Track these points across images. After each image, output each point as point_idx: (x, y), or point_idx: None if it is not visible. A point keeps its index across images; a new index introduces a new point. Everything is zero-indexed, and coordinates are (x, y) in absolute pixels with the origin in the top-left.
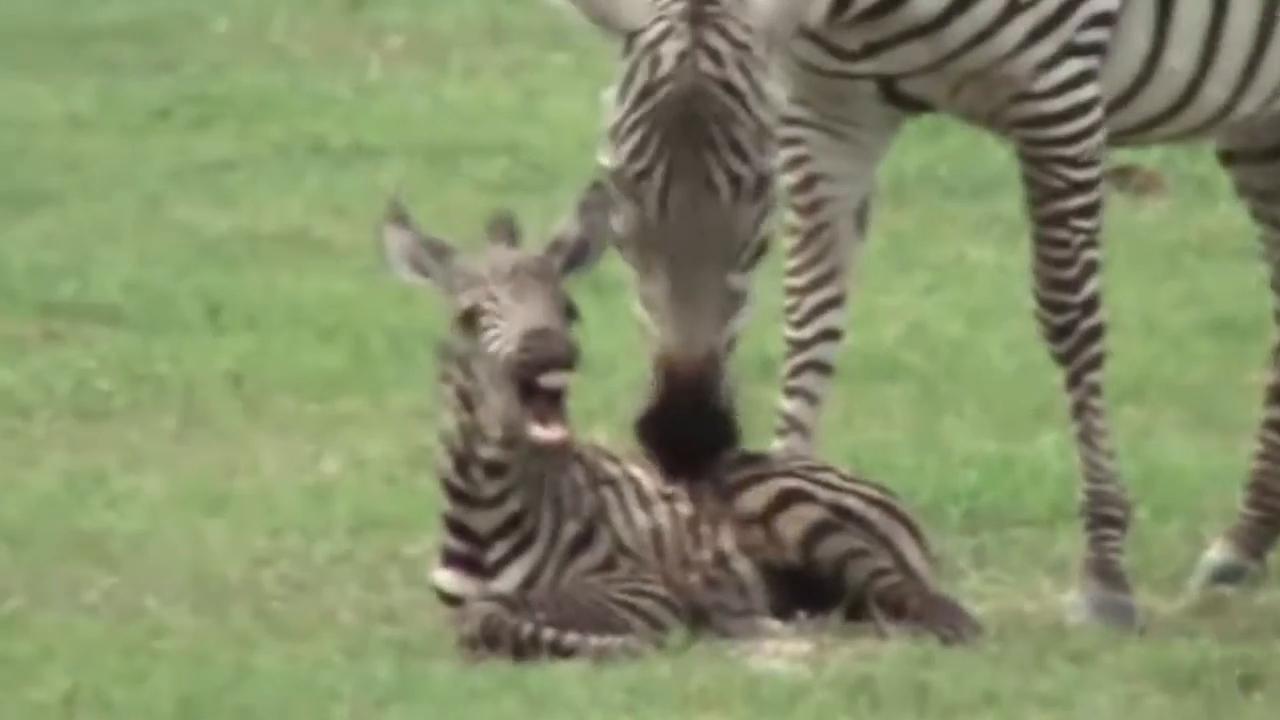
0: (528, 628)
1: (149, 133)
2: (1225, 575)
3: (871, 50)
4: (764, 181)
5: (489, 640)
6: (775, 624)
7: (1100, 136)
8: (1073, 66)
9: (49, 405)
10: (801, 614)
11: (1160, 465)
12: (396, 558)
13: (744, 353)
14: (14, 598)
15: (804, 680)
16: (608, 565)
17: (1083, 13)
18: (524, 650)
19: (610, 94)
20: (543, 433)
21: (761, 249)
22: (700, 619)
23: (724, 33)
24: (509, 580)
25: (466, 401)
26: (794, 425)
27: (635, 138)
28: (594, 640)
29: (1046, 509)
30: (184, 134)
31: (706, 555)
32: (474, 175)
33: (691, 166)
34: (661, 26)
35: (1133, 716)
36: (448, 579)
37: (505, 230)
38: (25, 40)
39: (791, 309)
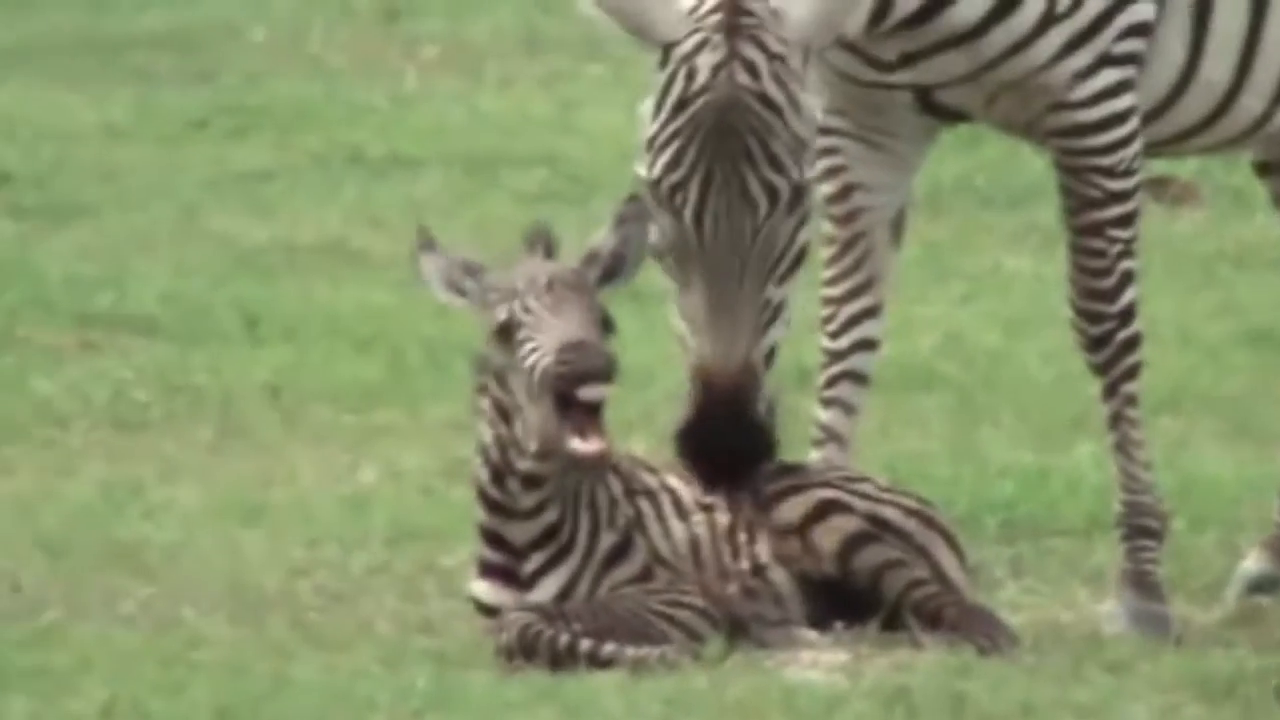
0: (565, 638)
1: (186, 143)
2: (1261, 585)
3: (908, 60)
4: (800, 193)
5: (526, 650)
6: (812, 634)
7: (1137, 146)
8: (1109, 76)
9: (86, 416)
10: (838, 624)
11: (1196, 476)
12: (433, 568)
13: (781, 363)
14: (52, 609)
15: (841, 691)
16: (644, 576)
17: (1119, 23)
18: (561, 660)
19: (647, 106)
20: (581, 445)
21: (799, 259)
22: (737, 630)
23: (760, 45)
24: (545, 591)
25: (503, 414)
26: (831, 435)
27: (671, 150)
28: (631, 651)
29: (1083, 519)
30: (221, 144)
31: (744, 566)
32: (511, 186)
33: (728, 179)
34: (697, 38)
35: None
36: (484, 590)
37: (542, 242)
38: (61, 51)
39: (828, 319)
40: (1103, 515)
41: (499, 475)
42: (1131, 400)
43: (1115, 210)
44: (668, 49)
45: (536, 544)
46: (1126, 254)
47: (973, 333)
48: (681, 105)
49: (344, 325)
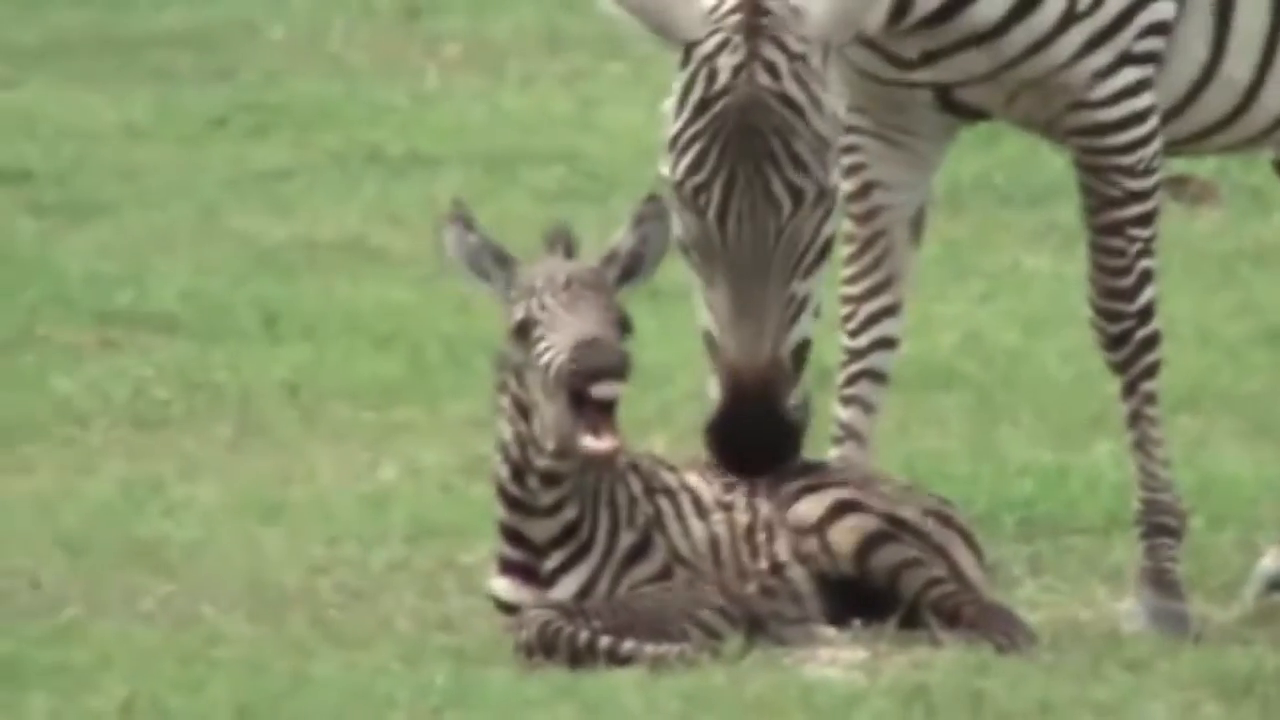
0: (584, 635)
1: (206, 142)
2: None
3: (929, 58)
4: (825, 194)
5: (546, 647)
6: (830, 632)
7: (1157, 145)
8: (1129, 75)
9: (106, 414)
10: (857, 622)
11: (1215, 474)
12: (453, 565)
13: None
14: (71, 606)
15: (859, 688)
16: (664, 575)
17: (1139, 22)
18: (580, 658)
19: (668, 105)
20: (593, 443)
21: (824, 252)
22: (756, 627)
23: (780, 44)
24: (565, 589)
25: (522, 411)
26: (850, 433)
27: (694, 151)
28: (650, 648)
29: (1102, 518)
30: (241, 143)
31: (763, 565)
32: (531, 184)
33: (751, 180)
34: (718, 39)
35: None
36: (504, 587)
37: (562, 242)
38: (81, 50)
39: (847, 317)
40: (1121, 513)
41: (519, 472)
42: (1150, 399)
43: (1135, 209)
44: (689, 48)
45: (556, 542)
46: (1146, 253)
47: (992, 331)
48: (703, 106)
49: (363, 323)
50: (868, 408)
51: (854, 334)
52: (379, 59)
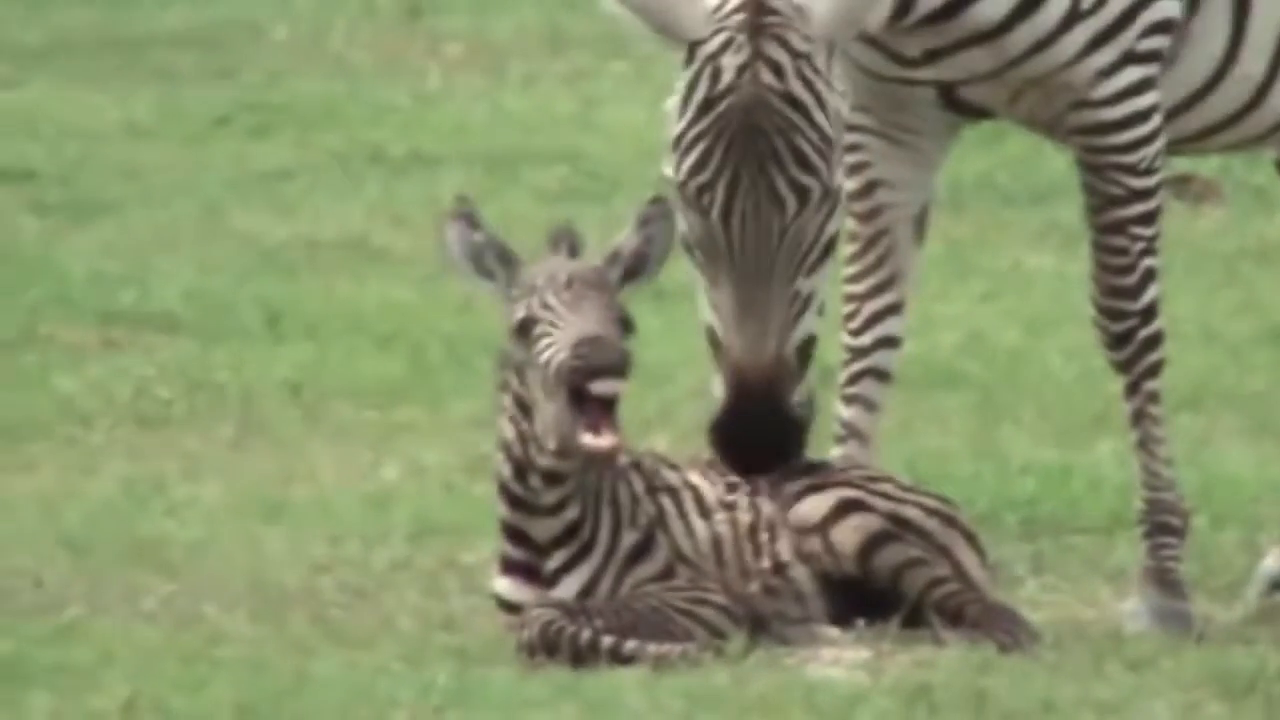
0: (587, 634)
1: (208, 141)
2: None
3: (932, 57)
4: (829, 193)
5: (548, 647)
6: (834, 631)
7: (1160, 144)
8: (1132, 74)
9: (109, 413)
10: (860, 621)
11: (1218, 473)
12: (455, 565)
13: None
14: (74, 605)
15: (862, 688)
16: (666, 574)
17: (1143, 20)
18: (583, 657)
19: (671, 104)
20: (593, 440)
21: (828, 250)
22: (759, 627)
23: (784, 44)
24: (567, 589)
25: (525, 410)
26: (852, 432)
27: (698, 151)
28: (653, 647)
29: (1104, 517)
30: (243, 142)
31: (765, 564)
32: (533, 184)
33: (755, 180)
34: (722, 38)
35: None
36: (506, 587)
37: (565, 241)
38: (85, 50)
39: (850, 316)
40: (1124, 513)
41: (521, 471)
42: (1153, 398)
43: (1138, 208)
44: (693, 48)
45: (558, 541)
46: (1149, 252)
47: (994, 330)
48: (707, 106)
49: (365, 322)
50: (870, 406)
51: (857, 332)
52: (381, 59)
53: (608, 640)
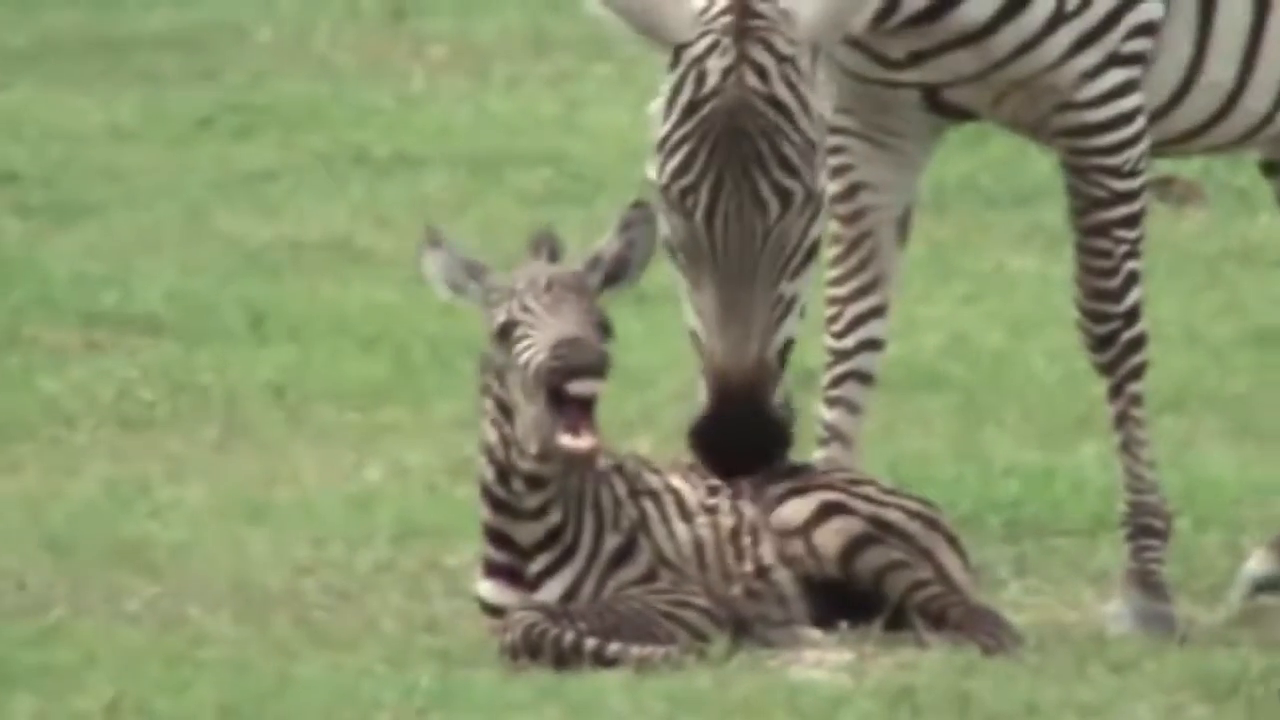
0: (570, 637)
1: (192, 143)
2: (1266, 586)
3: (917, 59)
4: (812, 196)
5: (531, 649)
6: (816, 634)
7: (1144, 146)
8: (1116, 76)
9: (92, 415)
10: (843, 624)
11: (1201, 476)
12: (438, 567)
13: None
14: (57, 607)
15: (845, 690)
16: (649, 577)
17: (1128, 22)
18: (566, 659)
19: (656, 106)
20: (572, 442)
21: (811, 254)
22: (742, 629)
23: (769, 47)
24: (550, 593)
25: (506, 413)
26: (835, 435)
27: (682, 153)
28: (636, 650)
29: (1087, 519)
30: (227, 144)
31: (748, 567)
32: (516, 185)
33: (738, 183)
34: (707, 41)
35: None
36: (489, 590)
37: (546, 245)
38: (68, 52)
39: (833, 319)
40: (1107, 515)
41: (504, 475)
42: (1136, 400)
43: (1121, 210)
44: (678, 50)
45: (541, 545)
46: (1132, 254)
47: (977, 332)
48: (691, 109)
49: (349, 324)
50: (853, 409)
51: (840, 335)
52: (365, 60)
53: (591, 643)
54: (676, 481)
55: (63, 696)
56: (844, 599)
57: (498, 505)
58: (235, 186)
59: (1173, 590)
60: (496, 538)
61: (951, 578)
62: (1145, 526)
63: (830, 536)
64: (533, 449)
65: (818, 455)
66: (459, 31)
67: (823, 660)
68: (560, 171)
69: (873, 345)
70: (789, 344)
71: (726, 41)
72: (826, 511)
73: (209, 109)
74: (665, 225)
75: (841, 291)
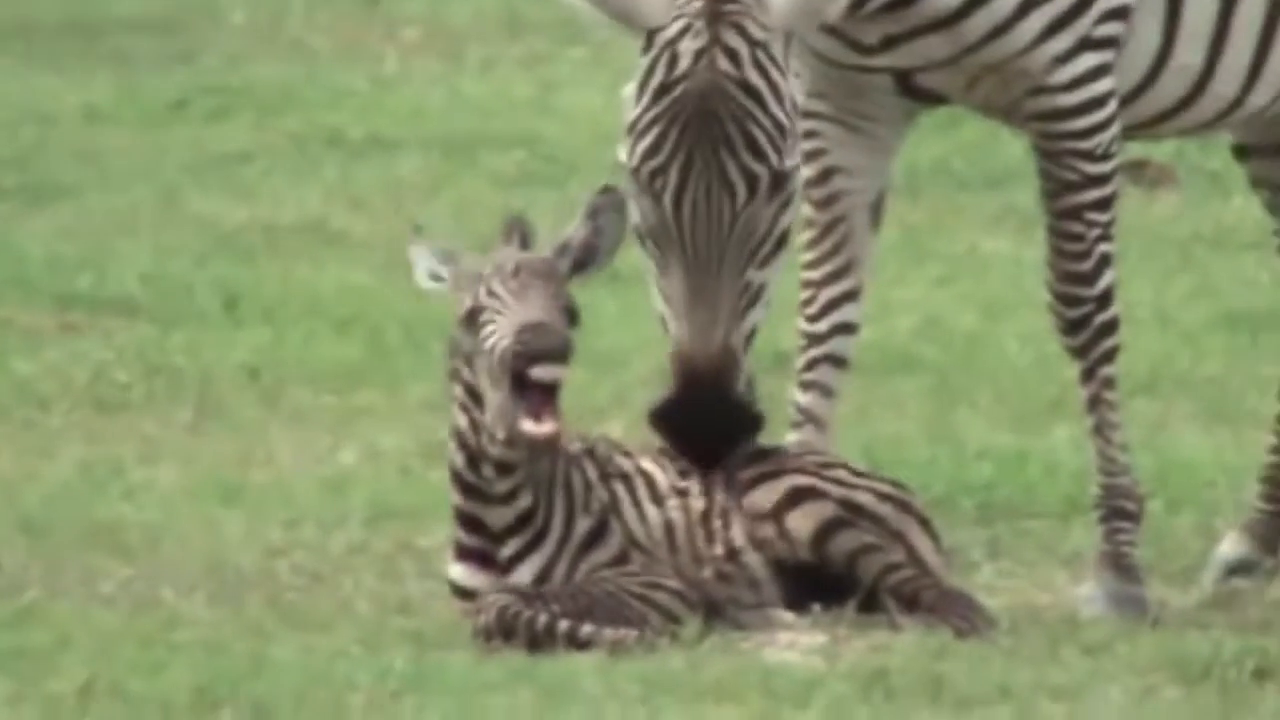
0: (543, 619)
1: (166, 125)
2: (1238, 568)
3: (890, 43)
4: (781, 179)
5: (504, 631)
6: (789, 616)
7: (1115, 130)
8: (1088, 60)
9: (66, 396)
10: (816, 606)
11: (1174, 458)
12: (412, 549)
13: (759, 346)
14: (31, 588)
15: (818, 672)
16: (620, 560)
17: (1099, 6)
18: (539, 641)
19: (630, 90)
20: (533, 427)
21: (780, 243)
22: (714, 612)
23: (742, 31)
24: (521, 577)
25: (475, 398)
26: (809, 418)
27: (652, 135)
28: (609, 632)
29: (1060, 502)
30: (201, 126)
31: (718, 550)
32: (490, 168)
33: (707, 165)
34: (680, 24)
35: (1146, 709)
36: (461, 573)
37: (517, 231)
38: (42, 33)
39: (807, 302)
40: (1080, 498)
41: (474, 460)
42: (1109, 383)
43: (1093, 194)
44: (651, 34)
45: (512, 529)
46: (1104, 237)
47: (950, 315)
48: (663, 91)
49: (323, 306)
50: (827, 392)
51: (813, 319)
52: (339, 43)
53: (564, 625)
54: (647, 464)
55: (37, 678)
56: (816, 582)
57: (468, 490)
58: (209, 168)
59: (1145, 573)
60: (468, 522)
61: (924, 560)
62: (1118, 509)
63: (802, 520)
64: (500, 434)
65: (791, 438)
66: (432, 14)
67: (796, 642)
68: (534, 154)
69: (846, 329)
70: (753, 332)
71: (699, 25)
72: (798, 495)
73: (183, 91)
74: (635, 210)
75: (815, 275)
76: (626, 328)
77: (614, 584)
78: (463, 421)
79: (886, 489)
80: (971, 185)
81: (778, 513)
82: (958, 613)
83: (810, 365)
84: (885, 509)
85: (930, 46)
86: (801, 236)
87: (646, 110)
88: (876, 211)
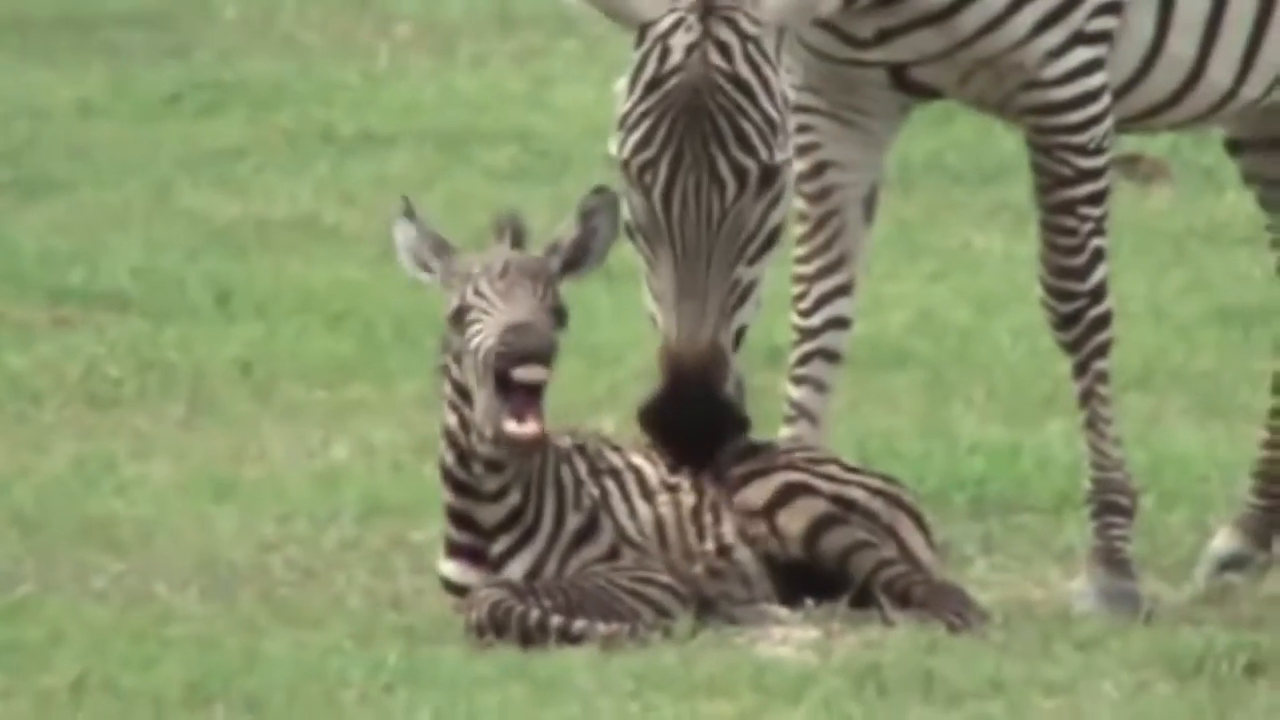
0: (535, 614)
1: (159, 120)
2: (1231, 563)
3: (884, 37)
4: (770, 174)
5: (497, 627)
6: (782, 611)
7: (1108, 124)
8: (1081, 54)
9: (59, 392)
10: (808, 601)
11: (1167, 453)
12: (404, 544)
13: (753, 341)
14: (24, 583)
15: (811, 667)
16: (611, 556)
17: (1091, 1)
18: (531, 637)
19: (622, 83)
20: (515, 427)
21: (770, 240)
22: (707, 607)
23: (734, 26)
24: (513, 573)
25: (465, 396)
26: (802, 413)
27: (643, 129)
28: (601, 627)
29: (1053, 496)
30: (194, 121)
31: (709, 546)
32: (483, 163)
33: (697, 159)
34: (672, 18)
35: (1139, 704)
36: (453, 569)
37: (509, 228)
38: (36, 27)
39: (800, 297)
40: (1073, 492)
41: (464, 458)
42: (1102, 378)
43: (1086, 188)
44: (644, 28)
45: (503, 526)
46: (1097, 232)
47: (943, 310)
48: (654, 85)
49: (316, 301)
50: (820, 387)
51: (806, 313)
52: (331, 38)
53: (556, 620)
54: (638, 460)
55: (29, 674)
56: (808, 577)
57: (459, 488)
58: (202, 164)
59: (1138, 568)
60: (458, 519)
61: (916, 555)
62: (1111, 504)
63: (793, 518)
64: (488, 433)
65: (785, 433)
66: (425, 9)
67: (788, 637)
68: (526, 148)
69: (839, 323)
70: (742, 331)
71: (691, 19)
72: (789, 492)
73: (176, 86)
74: (626, 205)
75: (808, 269)
76: (620, 323)
77: (605, 579)
78: (452, 420)
79: (878, 484)
80: (965, 180)
81: (769, 510)
82: (950, 608)
83: (803, 360)
84: (877, 504)
85: (924, 41)
86: (795, 230)
87: (637, 104)
88: (869, 206)
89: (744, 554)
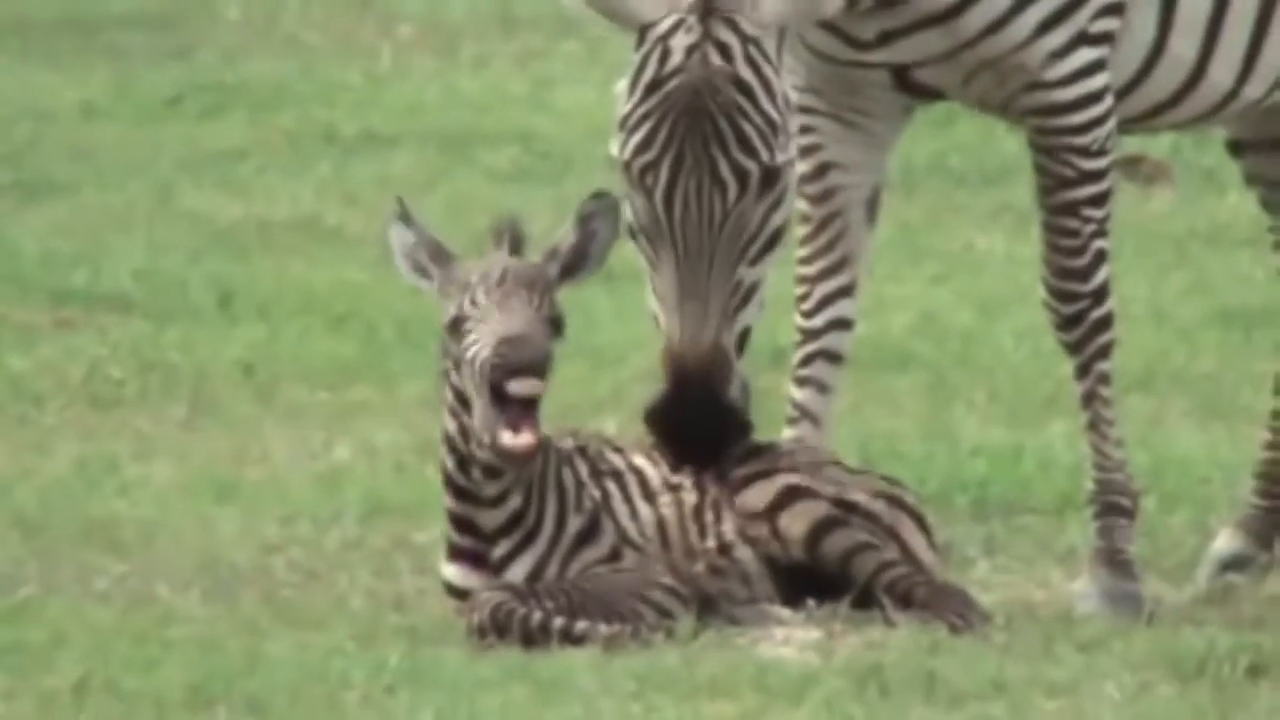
0: (537, 616)
1: (161, 121)
2: (1233, 564)
3: (886, 39)
4: (771, 176)
5: (499, 629)
6: (784, 612)
7: (1111, 125)
8: (1084, 56)
9: (61, 393)
10: (811, 602)
11: (1168, 455)
12: (406, 545)
13: (756, 342)
14: (26, 585)
15: (813, 668)
16: (613, 557)
17: (1095, 2)
18: (533, 638)
19: (623, 85)
20: (510, 439)
21: (772, 241)
22: (708, 607)
23: (734, 27)
24: (514, 576)
25: (464, 402)
26: (805, 414)
27: (643, 130)
28: (603, 628)
29: (1055, 498)
30: (196, 122)
31: (710, 545)
32: (485, 164)
33: (698, 161)
34: (673, 20)
35: (1141, 705)
36: (455, 573)
37: (508, 234)
38: (38, 30)
39: (803, 298)
40: (1075, 494)
41: (464, 463)
42: (1104, 379)
43: (1089, 189)
44: (644, 29)
45: (504, 530)
46: (1100, 233)
47: (946, 312)
48: (654, 86)
49: (318, 303)
50: (823, 388)
51: (809, 315)
52: (334, 39)
53: (558, 622)
54: (639, 461)
55: (32, 675)
56: (810, 578)
57: (460, 493)
58: (204, 165)
59: (1140, 569)
60: (460, 523)
61: (917, 557)
62: (1113, 505)
63: (795, 520)
64: (486, 440)
65: (787, 434)
66: (427, 10)
67: (790, 638)
68: (528, 149)
69: (842, 324)
70: (746, 333)
71: (692, 20)
72: (790, 495)
73: (179, 87)
74: (628, 207)
75: (811, 271)
76: (623, 324)
77: (607, 580)
78: (452, 426)
79: (879, 485)
80: (968, 182)
81: (771, 512)
82: (952, 609)
83: (806, 361)
84: (878, 506)
85: (927, 42)
86: (797, 232)
87: (638, 105)
88: (872, 207)
89: (745, 553)
